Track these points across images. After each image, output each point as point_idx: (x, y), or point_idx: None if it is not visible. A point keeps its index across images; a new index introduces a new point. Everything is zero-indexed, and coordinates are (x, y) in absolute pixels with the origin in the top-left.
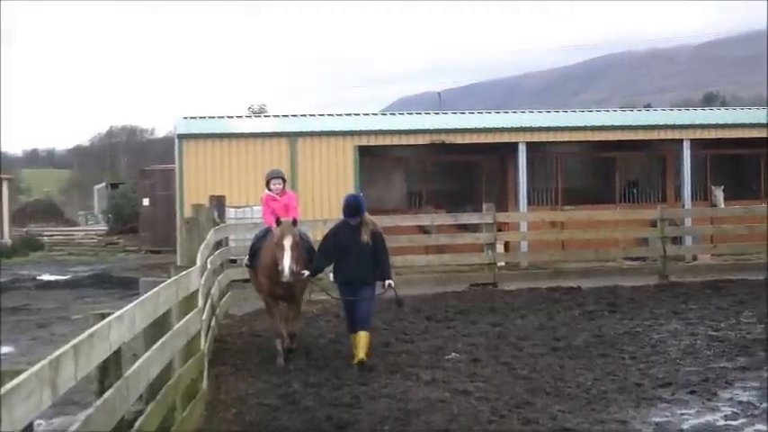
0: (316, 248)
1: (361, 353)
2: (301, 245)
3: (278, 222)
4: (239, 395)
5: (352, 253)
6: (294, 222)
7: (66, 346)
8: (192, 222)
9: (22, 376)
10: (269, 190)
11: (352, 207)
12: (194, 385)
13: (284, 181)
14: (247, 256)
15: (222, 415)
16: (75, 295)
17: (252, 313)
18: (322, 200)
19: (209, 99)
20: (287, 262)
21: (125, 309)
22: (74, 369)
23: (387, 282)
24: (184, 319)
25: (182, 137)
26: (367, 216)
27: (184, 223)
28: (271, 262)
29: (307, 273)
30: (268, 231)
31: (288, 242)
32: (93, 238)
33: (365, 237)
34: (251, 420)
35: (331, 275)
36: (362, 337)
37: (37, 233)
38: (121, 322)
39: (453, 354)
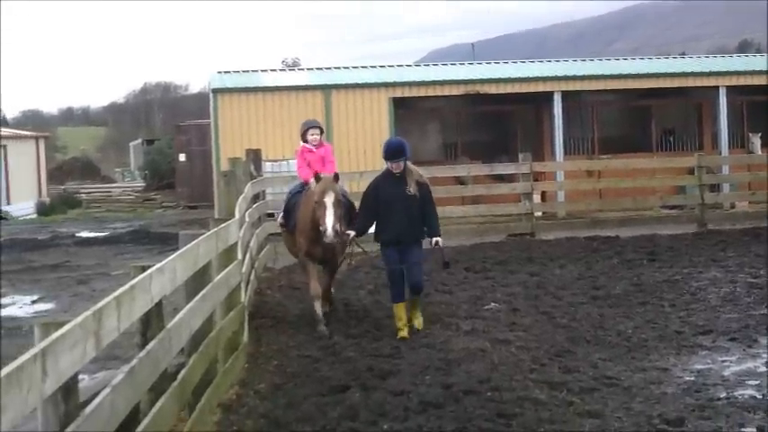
0: (357, 205)
1: (416, 321)
2: (343, 202)
3: (317, 178)
4: (280, 347)
5: (397, 208)
6: (336, 177)
7: (109, 298)
8: (229, 176)
9: (67, 327)
10: (304, 141)
11: (395, 149)
12: (236, 337)
13: (321, 131)
14: (281, 214)
15: (264, 367)
16: (115, 251)
17: (290, 266)
18: (357, 152)
19: (242, 54)
20: (330, 221)
21: (165, 261)
22: (116, 320)
23: (434, 239)
24: (225, 272)
25: (216, 91)
26: (411, 165)
27: (221, 177)
28: (310, 221)
29: (352, 234)
30: (304, 187)
31: (329, 199)
32: (130, 195)
33: (411, 188)
34: (292, 372)
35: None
36: (416, 303)
37: (74, 191)
38: (162, 274)
39: (493, 304)
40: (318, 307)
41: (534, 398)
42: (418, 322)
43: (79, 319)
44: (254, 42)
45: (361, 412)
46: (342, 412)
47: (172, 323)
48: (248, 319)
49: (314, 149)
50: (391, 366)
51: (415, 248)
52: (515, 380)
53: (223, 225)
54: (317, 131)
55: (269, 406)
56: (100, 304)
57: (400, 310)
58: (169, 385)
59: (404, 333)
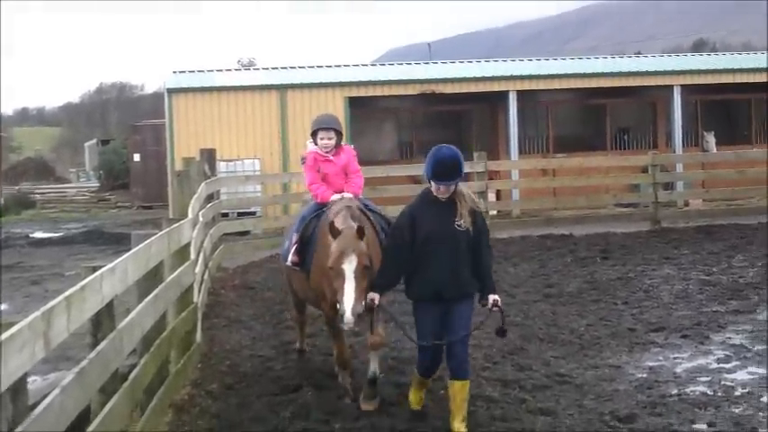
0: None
1: (459, 416)
2: (373, 234)
3: (331, 226)
4: (233, 347)
5: (441, 249)
6: (360, 232)
7: (59, 298)
8: (182, 175)
9: (15, 328)
10: (315, 144)
11: (450, 165)
12: (188, 337)
13: (339, 134)
14: (289, 246)
15: (216, 367)
16: (68, 252)
17: (245, 266)
18: None
19: (198, 54)
20: (349, 302)
21: (117, 261)
22: (66, 321)
23: (491, 298)
24: (177, 272)
25: (171, 91)
26: (463, 187)
27: (175, 176)
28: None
29: (376, 299)
30: (320, 209)
31: (350, 266)
32: (84, 195)
33: (464, 221)
34: (245, 372)
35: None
36: (460, 390)
37: (29, 191)
38: (113, 274)
39: None
40: (344, 377)
41: (487, 395)
42: (459, 418)
43: (28, 320)
44: (210, 42)
45: (313, 412)
46: (294, 411)
47: (123, 323)
48: (201, 319)
49: (330, 158)
50: None
51: (463, 309)
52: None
53: (176, 225)
54: (332, 134)
55: (221, 406)
56: (49, 305)
57: (421, 386)
58: (120, 386)
59: (458, 427)
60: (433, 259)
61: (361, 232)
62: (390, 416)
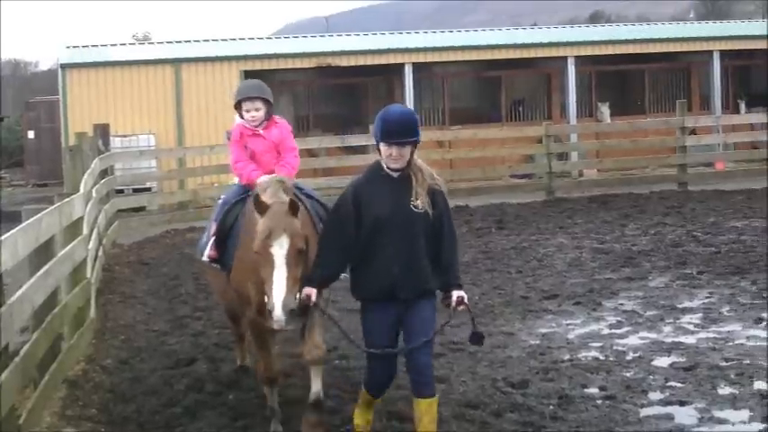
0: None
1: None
2: (310, 216)
3: (257, 200)
4: (128, 322)
5: (394, 236)
6: (293, 206)
7: None
8: (74, 150)
9: None
10: (242, 118)
11: (404, 122)
12: (81, 313)
13: (269, 104)
14: (206, 240)
15: (110, 342)
16: None
17: (140, 242)
18: (208, 127)
19: (93, 30)
20: (278, 296)
21: (6, 235)
22: None
23: (455, 295)
24: (69, 247)
25: (65, 66)
26: (420, 161)
27: (67, 152)
28: (255, 274)
29: (313, 296)
30: (245, 193)
31: (280, 251)
32: None
33: (420, 200)
34: (139, 346)
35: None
36: (428, 410)
37: None
38: (2, 248)
39: (342, 275)
40: (270, 394)
41: None
42: None
43: None
44: (105, 17)
45: (207, 384)
46: (188, 384)
47: (13, 298)
48: (96, 295)
49: (260, 132)
50: None
51: (424, 311)
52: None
53: (66, 200)
54: (259, 104)
55: (115, 380)
56: None
57: (369, 406)
58: (11, 361)
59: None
60: (383, 250)
61: (294, 207)
62: (287, 387)
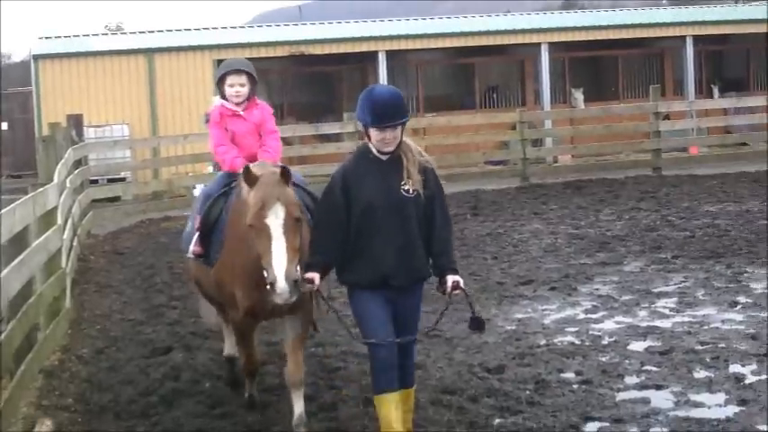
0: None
1: (408, 420)
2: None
3: (246, 172)
4: (103, 312)
5: (385, 221)
6: (285, 173)
7: None
8: (48, 141)
9: None
10: (223, 98)
11: (393, 103)
12: (57, 303)
13: (254, 81)
14: (189, 231)
15: (87, 332)
16: None
17: (115, 232)
18: (182, 117)
19: (66, 21)
20: (279, 266)
21: None
22: None
23: (450, 279)
24: (43, 237)
25: (37, 57)
26: (409, 141)
27: (41, 142)
28: (247, 259)
29: (316, 281)
30: (230, 181)
31: (277, 221)
32: None
33: (411, 183)
34: (116, 336)
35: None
36: (407, 399)
37: None
38: None
39: None
40: (249, 385)
41: (356, 351)
42: (409, 423)
43: None
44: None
45: (183, 373)
46: (165, 373)
47: None
48: (71, 285)
49: (241, 113)
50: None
51: (415, 301)
52: (338, 335)
53: (40, 189)
54: (243, 78)
55: (91, 370)
56: None
57: (391, 403)
58: None
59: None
60: (376, 236)
61: (286, 175)
62: (263, 374)
